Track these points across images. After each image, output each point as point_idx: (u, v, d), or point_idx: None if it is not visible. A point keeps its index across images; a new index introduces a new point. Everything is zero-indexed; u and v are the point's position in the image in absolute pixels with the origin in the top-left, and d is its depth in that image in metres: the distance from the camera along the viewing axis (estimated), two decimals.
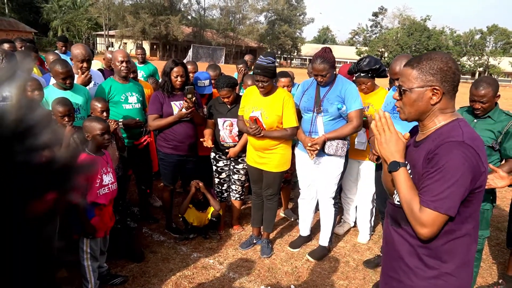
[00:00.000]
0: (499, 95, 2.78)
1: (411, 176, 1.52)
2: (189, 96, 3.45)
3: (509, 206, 3.30)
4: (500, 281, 3.28)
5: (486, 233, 2.94)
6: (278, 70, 5.37)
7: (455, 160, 1.35)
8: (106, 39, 45.23)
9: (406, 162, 1.54)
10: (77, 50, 3.76)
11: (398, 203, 1.53)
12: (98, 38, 48.04)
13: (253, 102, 3.40)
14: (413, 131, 1.67)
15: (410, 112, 1.52)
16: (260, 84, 3.25)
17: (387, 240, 1.65)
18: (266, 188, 3.59)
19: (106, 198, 2.83)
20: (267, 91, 3.33)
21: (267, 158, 3.46)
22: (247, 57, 6.34)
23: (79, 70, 3.71)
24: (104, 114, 3.26)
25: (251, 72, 5.90)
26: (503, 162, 2.86)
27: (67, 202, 0.46)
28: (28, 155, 0.42)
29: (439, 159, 1.38)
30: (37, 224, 0.44)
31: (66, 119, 2.90)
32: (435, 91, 1.44)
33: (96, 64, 4.97)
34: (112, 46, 46.50)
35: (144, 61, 6.23)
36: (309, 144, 3.28)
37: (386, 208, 1.74)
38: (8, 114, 0.42)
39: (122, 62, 3.70)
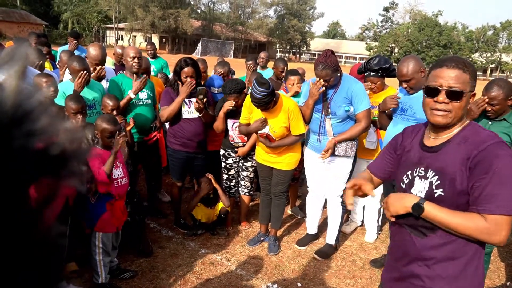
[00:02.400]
0: None
1: (438, 182, 1.47)
2: (201, 97, 3.48)
3: None
4: (508, 283, 3.28)
5: None
6: (288, 65, 5.40)
7: (507, 161, 1.36)
8: (116, 32, 45.40)
9: (423, 197, 1.49)
10: (94, 52, 3.81)
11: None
12: (107, 31, 48.22)
13: (257, 114, 3.38)
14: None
15: (457, 115, 1.47)
16: (263, 107, 3.24)
17: (405, 248, 1.60)
18: (275, 185, 3.61)
19: (116, 192, 2.87)
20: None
21: (278, 157, 3.48)
22: (262, 54, 6.31)
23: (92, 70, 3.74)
24: (115, 112, 3.29)
25: (259, 70, 5.90)
26: None
27: (68, 189, 0.47)
28: (26, 140, 0.42)
29: (491, 163, 1.35)
30: (37, 209, 0.44)
31: (79, 116, 2.94)
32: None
33: (108, 62, 5.01)
34: (122, 39, 46.66)
35: (154, 56, 6.25)
36: (322, 153, 3.32)
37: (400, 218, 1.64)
38: (6, 99, 0.42)
39: (134, 58, 3.73)
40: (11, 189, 0.41)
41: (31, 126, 0.42)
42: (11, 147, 0.41)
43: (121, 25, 45.78)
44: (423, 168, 1.53)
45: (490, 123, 2.82)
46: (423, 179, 1.52)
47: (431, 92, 1.47)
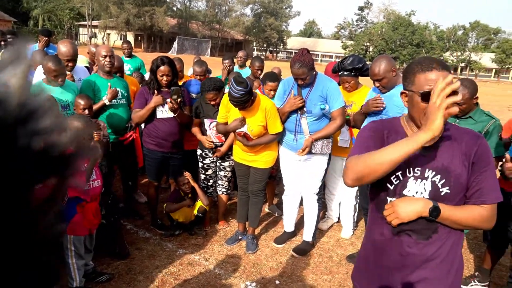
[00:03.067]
0: (477, 97, 2.87)
1: (443, 181, 1.46)
2: (175, 97, 3.45)
3: None
4: (477, 273, 3.41)
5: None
6: (265, 64, 5.43)
7: (491, 153, 1.50)
8: (89, 29, 44.38)
9: (435, 201, 1.46)
10: (64, 48, 3.72)
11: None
12: (80, 29, 47.10)
13: (235, 113, 3.39)
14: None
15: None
16: (241, 107, 3.25)
17: (406, 256, 1.55)
18: (253, 183, 3.64)
19: (87, 195, 2.82)
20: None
21: (255, 155, 3.50)
22: (240, 53, 6.31)
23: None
24: (86, 111, 3.23)
25: (236, 69, 5.91)
26: None
27: (67, 188, 0.47)
28: (31, 139, 0.42)
29: (488, 157, 1.47)
30: (39, 209, 0.45)
31: (87, 112, 3.12)
32: None
33: (82, 61, 4.90)
34: (95, 37, 45.64)
35: (130, 55, 6.17)
36: (299, 152, 3.36)
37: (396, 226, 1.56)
38: (11, 98, 0.42)
39: (105, 57, 3.67)
40: (15, 189, 0.41)
41: (36, 126, 0.42)
42: (16, 146, 0.41)
43: (94, 23, 44.81)
44: (418, 168, 1.49)
45: (457, 120, 2.93)
46: (420, 180, 1.49)
47: (428, 96, 1.38)
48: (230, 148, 3.76)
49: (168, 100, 3.53)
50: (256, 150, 3.48)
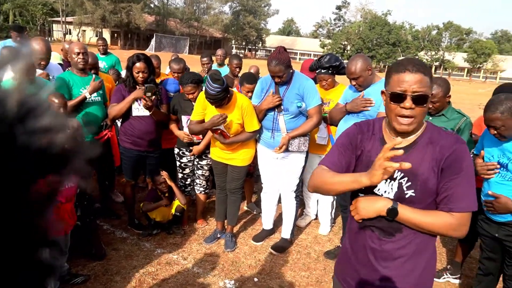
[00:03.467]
0: (450, 95, 2.96)
1: (409, 184, 1.48)
2: (148, 94, 3.40)
3: None
4: (449, 266, 3.52)
5: None
6: (243, 62, 5.43)
7: (470, 160, 1.47)
8: (63, 26, 43.22)
9: (393, 199, 1.50)
10: (37, 46, 3.61)
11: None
12: (54, 25, 45.81)
13: (211, 111, 3.37)
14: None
15: (420, 120, 1.47)
16: (217, 104, 3.25)
17: (371, 252, 1.59)
18: (230, 182, 3.63)
19: (62, 196, 2.76)
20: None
21: (232, 153, 3.50)
22: (219, 52, 6.28)
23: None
24: (61, 110, 3.16)
25: (215, 67, 5.88)
26: None
27: (64, 186, 0.46)
28: (30, 137, 0.41)
29: (461, 163, 1.43)
30: (37, 208, 0.44)
31: (62, 111, 3.05)
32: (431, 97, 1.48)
33: (55, 58, 4.78)
34: (70, 34, 44.51)
35: (106, 52, 6.05)
36: (276, 149, 3.37)
37: (361, 223, 1.62)
38: (11, 96, 0.42)
39: (78, 54, 3.59)
40: (13, 187, 0.41)
41: (35, 124, 0.42)
42: (15, 145, 0.41)
43: (69, 19, 43.64)
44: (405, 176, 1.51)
45: (430, 118, 3.01)
46: (389, 180, 1.51)
47: (397, 97, 1.43)
48: (208, 146, 3.74)
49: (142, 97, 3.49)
50: (233, 148, 3.48)
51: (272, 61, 3.22)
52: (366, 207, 1.52)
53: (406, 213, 1.45)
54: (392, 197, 1.51)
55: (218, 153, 3.57)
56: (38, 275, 0.46)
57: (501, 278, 2.76)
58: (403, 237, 1.52)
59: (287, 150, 3.40)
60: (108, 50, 6.25)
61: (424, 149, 1.47)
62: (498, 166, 2.48)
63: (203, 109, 3.44)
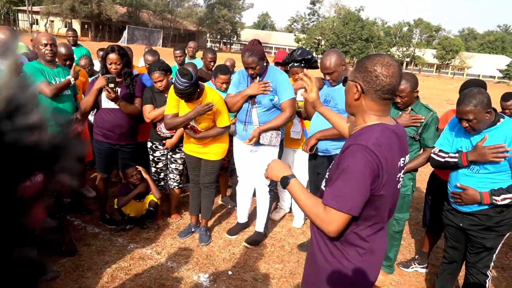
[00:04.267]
0: (418, 91, 3.05)
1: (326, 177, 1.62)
2: (111, 85, 3.33)
3: (426, 188, 3.67)
4: (417, 256, 3.65)
5: (406, 215, 3.25)
6: (218, 55, 5.41)
7: (357, 163, 1.41)
8: (30, 15, 41.54)
9: (293, 174, 1.64)
10: (2, 35, 3.46)
11: None
12: (20, 14, 43.97)
13: (183, 106, 3.36)
14: None
15: (345, 103, 1.62)
16: (186, 99, 3.23)
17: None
18: (204, 176, 3.63)
19: (29, 191, 2.69)
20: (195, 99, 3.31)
21: (205, 147, 3.49)
22: (191, 44, 6.22)
23: None
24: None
25: (187, 60, 5.83)
26: (421, 151, 3.15)
27: (57, 183, 0.46)
28: (18, 134, 0.41)
29: (343, 161, 1.46)
30: (27, 204, 0.43)
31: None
32: (356, 87, 1.51)
33: (21, 47, 4.59)
34: (37, 24, 42.84)
35: (75, 43, 5.87)
36: (247, 141, 3.37)
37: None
38: None
39: (46, 45, 3.46)
40: (2, 184, 0.40)
41: (24, 121, 0.42)
42: (3, 142, 0.40)
43: (35, 8, 42.04)
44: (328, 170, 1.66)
45: (400, 113, 3.10)
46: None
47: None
48: (181, 140, 3.71)
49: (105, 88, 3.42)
50: (206, 142, 3.47)
51: (245, 52, 3.24)
52: (274, 170, 1.70)
53: (293, 187, 1.59)
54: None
55: (191, 147, 3.55)
56: (29, 273, 0.46)
57: (463, 266, 2.89)
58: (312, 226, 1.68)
59: (258, 143, 3.42)
60: (78, 42, 6.07)
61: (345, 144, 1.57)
62: (509, 149, 2.41)
63: (176, 102, 3.41)
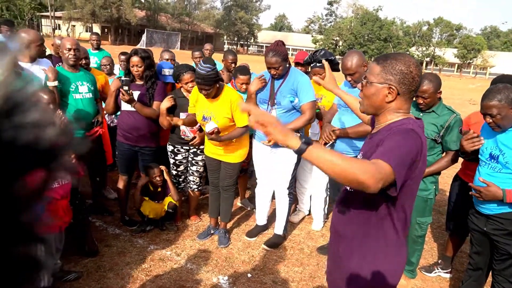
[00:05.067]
0: (441, 91, 2.98)
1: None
2: (125, 88, 3.41)
3: (449, 191, 3.58)
4: (440, 261, 3.56)
5: (429, 219, 3.18)
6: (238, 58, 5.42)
7: (405, 139, 1.43)
8: (52, 21, 42.60)
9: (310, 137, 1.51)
10: (27, 34, 3.58)
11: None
12: (43, 20, 45.17)
13: (201, 105, 3.39)
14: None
15: (367, 104, 1.59)
16: (204, 92, 3.23)
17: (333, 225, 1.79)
18: (223, 179, 3.63)
19: (56, 193, 2.75)
20: (213, 95, 3.32)
21: (226, 149, 3.49)
22: (207, 46, 6.26)
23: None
24: (50, 106, 3.12)
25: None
26: (444, 154, 3.08)
27: (54, 181, 0.46)
28: (16, 132, 0.41)
29: (388, 139, 1.46)
30: (24, 203, 0.44)
31: (51, 107, 3.01)
32: (391, 89, 1.51)
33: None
34: (59, 29, 43.94)
35: (98, 47, 6.00)
36: (266, 141, 3.36)
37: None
38: None
39: (69, 50, 3.55)
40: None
41: (22, 119, 0.41)
42: (1, 139, 0.40)
43: (58, 14, 43.10)
44: (361, 154, 1.68)
45: (421, 114, 3.04)
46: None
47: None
48: (203, 142, 3.73)
49: (137, 93, 3.51)
50: (227, 143, 3.47)
51: (269, 52, 3.25)
52: (279, 133, 1.36)
53: (319, 151, 1.33)
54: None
55: (212, 149, 3.56)
56: (25, 271, 0.46)
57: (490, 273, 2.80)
58: (349, 214, 1.64)
59: (277, 144, 3.39)
60: (101, 46, 6.20)
61: (380, 136, 1.55)
62: (482, 138, 2.54)
63: (194, 101, 3.44)
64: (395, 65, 1.50)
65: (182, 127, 3.71)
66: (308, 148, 1.32)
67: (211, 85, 3.17)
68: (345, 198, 1.68)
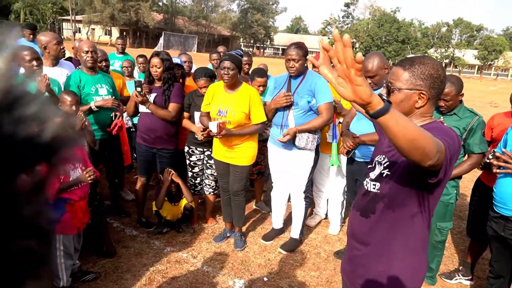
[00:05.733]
0: (463, 94, 2.91)
1: (387, 171, 1.56)
2: (139, 89, 3.47)
3: (470, 196, 3.49)
4: (461, 268, 3.47)
5: (449, 225, 3.10)
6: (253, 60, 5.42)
7: (447, 131, 1.40)
8: (73, 24, 43.55)
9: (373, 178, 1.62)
10: (44, 36, 3.68)
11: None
12: (64, 23, 46.23)
13: (218, 100, 3.40)
14: None
15: (400, 110, 1.53)
16: (225, 71, 3.23)
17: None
18: (233, 183, 3.60)
19: (75, 194, 2.79)
20: (232, 84, 3.33)
21: (235, 152, 3.47)
22: (220, 49, 6.29)
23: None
24: (74, 107, 3.17)
25: None
26: (466, 157, 3.00)
27: (56, 176, 0.46)
28: (16, 126, 0.41)
29: (429, 131, 1.34)
30: (25, 197, 0.43)
31: (74, 108, 3.10)
32: (421, 95, 1.48)
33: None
34: (79, 32, 44.86)
35: (123, 51, 6.09)
36: (281, 138, 3.34)
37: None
38: None
39: (87, 52, 3.61)
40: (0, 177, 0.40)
41: (22, 112, 0.41)
42: (1, 133, 0.40)
43: (78, 17, 44.04)
44: (384, 156, 1.62)
45: (442, 117, 2.97)
46: (379, 164, 1.63)
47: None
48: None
49: (153, 94, 3.58)
50: (236, 145, 3.44)
51: (292, 45, 3.34)
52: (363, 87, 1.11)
53: (399, 115, 1.17)
54: (373, 178, 1.63)
55: (220, 151, 3.55)
56: (27, 266, 0.45)
57: None
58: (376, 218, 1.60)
59: (294, 146, 3.37)
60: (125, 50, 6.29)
61: None
62: None
63: (210, 99, 3.46)
64: (424, 70, 1.46)
65: (198, 126, 3.69)
66: (390, 108, 1.14)
67: (234, 68, 3.26)
68: (368, 200, 1.65)
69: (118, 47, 6.03)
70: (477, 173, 3.43)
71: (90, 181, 2.86)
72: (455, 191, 3.03)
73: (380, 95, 1.16)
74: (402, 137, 1.16)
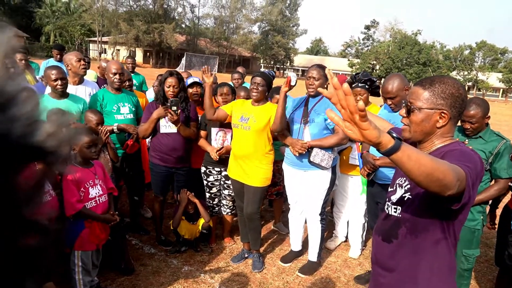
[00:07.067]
0: (489, 117, 2.84)
1: (408, 194, 1.53)
2: (174, 108, 3.46)
3: (498, 223, 3.35)
4: None
5: (476, 252, 2.98)
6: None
7: (469, 154, 1.38)
8: (99, 45, 45.11)
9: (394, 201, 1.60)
10: (69, 55, 3.84)
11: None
12: (91, 44, 47.91)
13: (243, 109, 3.49)
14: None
15: (415, 131, 1.51)
16: (255, 86, 3.33)
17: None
18: (246, 205, 3.57)
19: (95, 211, 2.82)
20: (258, 99, 3.39)
21: (249, 170, 3.45)
22: (240, 69, 6.38)
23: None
24: (99, 127, 3.26)
25: (244, 84, 5.95)
26: (493, 182, 2.91)
27: (52, 174, 0.46)
28: (11, 125, 0.41)
29: (450, 155, 1.36)
30: (23, 196, 0.43)
31: (100, 127, 3.26)
32: (442, 114, 1.46)
33: (90, 75, 4.96)
34: (105, 53, 46.38)
35: (133, 70, 6.23)
36: (295, 148, 3.32)
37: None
38: None
39: (115, 74, 3.72)
40: None
41: (16, 111, 0.41)
42: None
43: (104, 39, 45.57)
44: (405, 178, 1.60)
45: (467, 140, 2.90)
46: (400, 187, 1.61)
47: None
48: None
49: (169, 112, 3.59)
50: (249, 163, 3.44)
51: (314, 65, 3.40)
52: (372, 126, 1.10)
53: (412, 150, 1.15)
54: (394, 201, 1.61)
55: (235, 170, 3.54)
56: (29, 263, 0.45)
57: None
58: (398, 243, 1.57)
59: (309, 161, 3.31)
60: (137, 69, 6.44)
61: None
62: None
63: (232, 107, 3.56)
64: (444, 89, 1.44)
65: (213, 143, 3.75)
66: (402, 145, 1.12)
67: (264, 85, 3.35)
68: (389, 225, 1.60)
69: (128, 66, 6.16)
70: (507, 199, 3.30)
71: (110, 225, 2.95)
72: (482, 217, 2.92)
73: (390, 133, 1.15)
74: (417, 171, 1.15)
